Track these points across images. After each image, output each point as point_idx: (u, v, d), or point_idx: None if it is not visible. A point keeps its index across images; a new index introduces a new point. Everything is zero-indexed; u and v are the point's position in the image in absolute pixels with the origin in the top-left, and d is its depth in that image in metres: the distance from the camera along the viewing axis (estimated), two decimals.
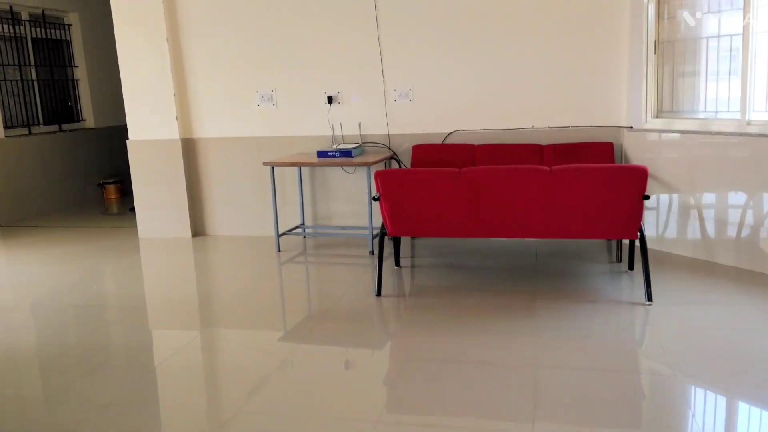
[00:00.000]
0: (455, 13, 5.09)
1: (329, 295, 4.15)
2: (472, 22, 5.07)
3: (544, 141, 5.06)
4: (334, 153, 5.14)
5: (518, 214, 3.84)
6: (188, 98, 5.70)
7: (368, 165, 4.88)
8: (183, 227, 5.84)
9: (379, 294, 4.08)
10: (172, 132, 5.69)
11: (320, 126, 5.50)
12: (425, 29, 5.15)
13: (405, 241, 5.34)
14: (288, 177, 5.60)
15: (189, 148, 5.78)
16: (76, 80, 8.05)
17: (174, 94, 5.63)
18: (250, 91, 5.58)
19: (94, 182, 8.17)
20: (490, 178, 3.82)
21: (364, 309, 3.94)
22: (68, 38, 7.96)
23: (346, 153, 5.11)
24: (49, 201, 7.42)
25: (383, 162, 5.21)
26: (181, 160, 5.73)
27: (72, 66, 8.00)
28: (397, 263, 4.69)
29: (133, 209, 6.41)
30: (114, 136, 8.28)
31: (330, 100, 5.42)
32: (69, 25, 7.93)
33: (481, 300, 3.92)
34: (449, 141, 5.27)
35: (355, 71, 5.35)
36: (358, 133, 5.43)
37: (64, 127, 7.85)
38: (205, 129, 5.74)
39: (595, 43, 4.90)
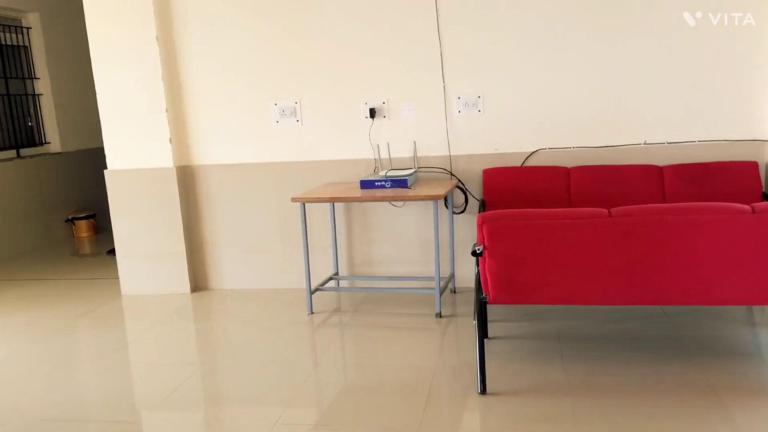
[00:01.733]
0: None
1: (406, 393, 2.86)
2: (562, 9, 3.87)
3: (661, 161, 3.87)
4: (383, 182, 3.88)
5: (702, 273, 2.61)
6: (185, 114, 4.40)
7: (436, 199, 3.63)
8: (180, 280, 4.51)
9: (483, 391, 2.82)
10: (164, 158, 4.37)
11: (360, 147, 4.24)
12: (500, 18, 3.93)
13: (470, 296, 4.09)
14: (316, 212, 4.32)
15: (187, 178, 4.47)
16: (38, 95, 6.66)
17: (166, 110, 4.32)
18: (267, 104, 4.29)
19: (62, 218, 6.77)
20: (659, 223, 2.59)
21: (473, 423, 2.68)
22: (27, 44, 6.58)
23: (400, 182, 3.86)
24: (5, 244, 6.01)
25: (449, 193, 3.96)
26: (177, 195, 4.41)
27: (32, 78, 6.62)
28: (485, 333, 3.43)
29: (112, 251, 5.11)
30: (85, 162, 6.90)
31: (372, 113, 4.16)
32: (28, 28, 6.54)
33: (639, 393, 2.68)
34: (531, 163, 4.05)
35: (406, 75, 4.10)
36: (411, 155, 4.18)
37: (23, 152, 6.45)
38: (209, 154, 4.43)
39: (729, 31, 3.73)
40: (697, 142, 3.85)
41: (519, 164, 4.05)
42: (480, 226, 2.73)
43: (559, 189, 3.93)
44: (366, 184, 3.91)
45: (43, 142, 6.73)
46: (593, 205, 3.86)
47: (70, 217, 6.79)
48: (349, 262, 4.40)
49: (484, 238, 2.74)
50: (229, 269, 4.54)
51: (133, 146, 4.40)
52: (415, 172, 4.07)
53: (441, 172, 4.15)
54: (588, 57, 3.88)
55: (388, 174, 3.96)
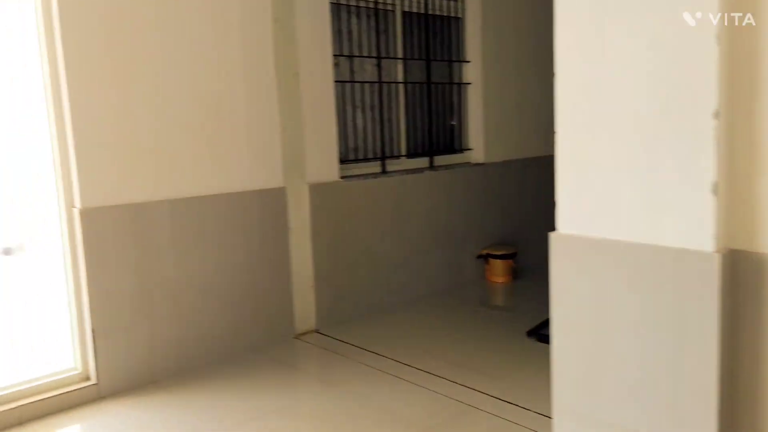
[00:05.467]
0: None
1: None
2: None
3: None
4: None
5: None
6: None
7: None
8: None
9: None
10: (700, 230, 1.98)
11: None
12: None
13: None
14: None
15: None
16: (465, 84, 4.93)
17: (715, 116, 1.90)
18: None
19: (474, 252, 4.96)
20: None
21: None
22: (460, 15, 4.88)
23: None
24: (412, 282, 4.42)
25: None
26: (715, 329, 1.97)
27: (461, 61, 4.90)
28: None
29: (535, 334, 3.09)
30: (508, 179, 4.99)
31: None
32: None
33: None
34: None
35: None
36: None
37: (437, 160, 4.80)
38: None
39: None
40: None
41: None
42: None
43: None
44: None
45: (463, 148, 5.00)
46: None
47: (483, 253, 4.95)
48: None
49: None
50: None
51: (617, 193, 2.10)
52: None
53: None
54: None
55: None
